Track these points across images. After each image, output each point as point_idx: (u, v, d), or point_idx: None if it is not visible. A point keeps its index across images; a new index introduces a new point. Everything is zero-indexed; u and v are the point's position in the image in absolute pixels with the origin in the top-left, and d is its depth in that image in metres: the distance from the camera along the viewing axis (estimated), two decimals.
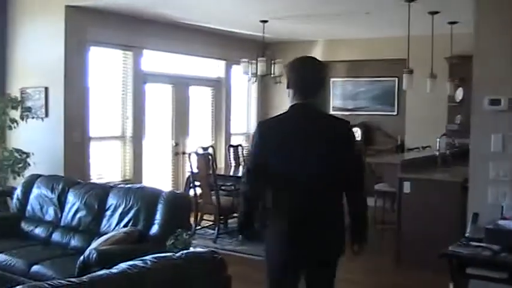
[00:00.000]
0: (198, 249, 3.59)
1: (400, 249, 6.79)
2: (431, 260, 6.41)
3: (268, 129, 3.44)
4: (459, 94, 9.63)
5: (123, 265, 2.78)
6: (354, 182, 3.45)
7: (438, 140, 8.14)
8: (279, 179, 3.35)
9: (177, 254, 3.10)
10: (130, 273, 2.71)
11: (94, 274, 2.69)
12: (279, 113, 3.51)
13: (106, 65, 8.73)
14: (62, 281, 2.48)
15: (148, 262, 2.86)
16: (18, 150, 7.36)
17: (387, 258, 6.95)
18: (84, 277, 2.59)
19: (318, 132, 3.36)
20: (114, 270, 2.71)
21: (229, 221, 8.58)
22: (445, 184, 6.64)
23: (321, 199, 3.33)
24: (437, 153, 8.00)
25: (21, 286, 2.30)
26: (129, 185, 5.79)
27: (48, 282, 2.43)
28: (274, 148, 3.33)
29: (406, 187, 6.73)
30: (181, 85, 10.02)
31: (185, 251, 3.19)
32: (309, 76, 3.39)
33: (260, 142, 3.39)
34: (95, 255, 4.32)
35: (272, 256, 3.47)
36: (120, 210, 5.32)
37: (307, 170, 3.30)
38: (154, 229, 5.05)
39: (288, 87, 3.44)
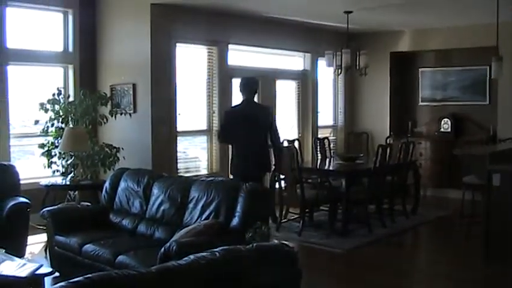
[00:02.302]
0: (270, 242, 3.60)
1: (489, 244, 6.55)
2: None
3: (231, 112, 7.15)
4: None
5: (191, 256, 2.82)
6: (274, 135, 7.09)
7: None
8: (236, 136, 6.86)
9: (247, 246, 3.12)
10: (197, 265, 2.75)
11: (162, 265, 2.74)
12: (235, 104, 7.36)
13: (192, 60, 8.91)
14: (130, 272, 2.55)
15: (217, 254, 2.88)
16: (108, 145, 7.64)
17: (475, 253, 6.74)
18: (152, 268, 2.65)
19: (255, 113, 6.94)
20: (182, 261, 2.74)
21: (315, 214, 8.57)
22: None
23: (256, 145, 6.88)
24: None
25: (91, 275, 2.39)
26: (210, 178, 5.87)
27: (117, 271, 2.51)
28: (234, 122, 6.87)
29: (496, 179, 6.47)
30: (267, 79, 10.07)
31: (255, 243, 3.20)
32: (253, 87, 7.01)
33: (226, 119, 7.08)
34: (175, 247, 4.41)
35: (234, 171, 7.01)
36: (202, 203, 5.39)
37: (250, 132, 6.81)
38: (235, 221, 5.09)
39: (240, 91, 7.01)
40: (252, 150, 6.85)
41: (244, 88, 6.94)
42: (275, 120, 7.28)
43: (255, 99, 7.16)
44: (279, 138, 7.30)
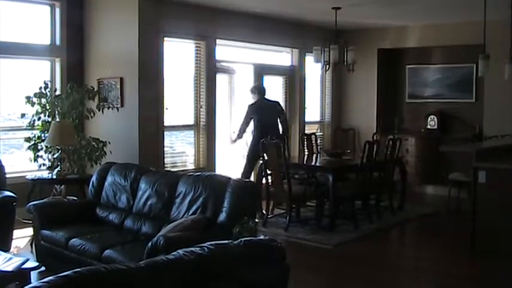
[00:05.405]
0: (258, 237, 3.59)
1: (476, 240, 6.61)
2: (508, 251, 6.28)
3: (252, 107, 8.99)
4: None
5: (180, 251, 2.81)
6: (284, 120, 9.26)
7: None
8: (257, 122, 8.94)
9: (236, 242, 3.11)
10: (186, 260, 2.74)
11: (151, 259, 2.73)
12: (253, 101, 9.08)
13: (180, 55, 8.88)
14: (120, 266, 2.55)
15: (206, 249, 2.88)
16: (95, 139, 7.60)
17: (461, 248, 6.79)
18: (141, 262, 2.64)
19: (269, 106, 9.14)
20: (170, 256, 2.74)
21: (301, 209, 8.59)
22: None
23: (272, 127, 8.88)
24: None
25: (80, 269, 2.38)
26: (198, 173, 5.85)
27: (106, 266, 2.50)
28: (254, 113, 8.95)
29: (482, 177, 6.53)
30: (254, 74, 10.05)
31: (244, 239, 3.20)
32: (263, 89, 9.17)
33: (248, 111, 8.97)
34: (162, 242, 4.40)
35: (253, 146, 8.84)
36: (189, 198, 5.39)
37: (266, 119, 8.94)
38: (222, 217, 5.09)
39: (252, 93, 9.11)
40: (266, 126, 8.87)
41: (258, 89, 9.17)
42: (283, 109, 9.59)
43: (266, 96, 9.21)
44: (286, 122, 9.42)
